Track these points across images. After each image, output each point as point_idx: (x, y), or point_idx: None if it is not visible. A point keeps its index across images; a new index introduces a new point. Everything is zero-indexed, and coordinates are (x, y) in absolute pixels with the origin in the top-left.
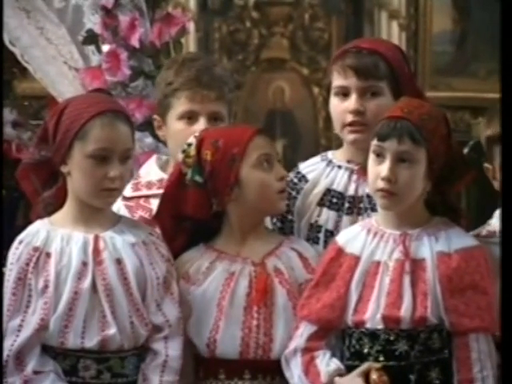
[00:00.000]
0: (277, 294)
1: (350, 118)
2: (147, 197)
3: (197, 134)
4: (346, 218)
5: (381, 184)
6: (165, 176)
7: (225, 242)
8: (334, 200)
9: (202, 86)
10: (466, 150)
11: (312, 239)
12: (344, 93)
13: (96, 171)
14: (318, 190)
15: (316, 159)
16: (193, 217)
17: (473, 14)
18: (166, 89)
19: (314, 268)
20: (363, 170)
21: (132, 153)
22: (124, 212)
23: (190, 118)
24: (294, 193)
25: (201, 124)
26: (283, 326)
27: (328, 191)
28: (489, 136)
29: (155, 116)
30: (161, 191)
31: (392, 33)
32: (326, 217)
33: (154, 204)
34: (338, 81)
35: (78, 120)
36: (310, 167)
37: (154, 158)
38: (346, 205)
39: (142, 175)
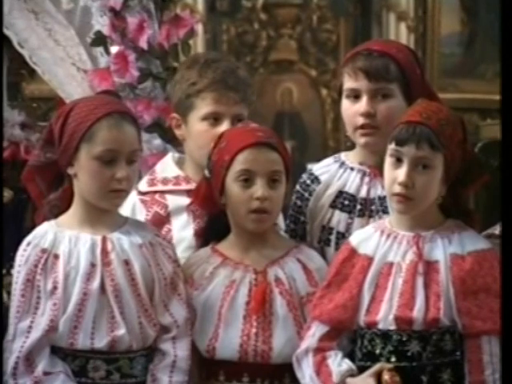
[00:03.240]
0: (276, 304)
1: (360, 120)
2: (163, 192)
3: None
4: (357, 220)
5: (397, 189)
6: (181, 173)
7: (230, 246)
8: (346, 202)
9: (228, 88)
10: None
11: (323, 241)
12: (355, 95)
13: (103, 173)
14: (331, 191)
15: (329, 161)
16: (200, 207)
17: (481, 16)
18: (189, 89)
19: (318, 281)
20: (378, 171)
21: (138, 154)
22: (139, 207)
23: (215, 119)
24: (306, 194)
25: (224, 126)
26: (282, 335)
27: (340, 193)
28: None
29: (174, 115)
30: (176, 187)
31: (400, 35)
32: (338, 219)
33: (170, 200)
34: (348, 83)
35: (85, 122)
36: (323, 169)
37: (169, 155)
38: (358, 207)
39: (158, 171)
